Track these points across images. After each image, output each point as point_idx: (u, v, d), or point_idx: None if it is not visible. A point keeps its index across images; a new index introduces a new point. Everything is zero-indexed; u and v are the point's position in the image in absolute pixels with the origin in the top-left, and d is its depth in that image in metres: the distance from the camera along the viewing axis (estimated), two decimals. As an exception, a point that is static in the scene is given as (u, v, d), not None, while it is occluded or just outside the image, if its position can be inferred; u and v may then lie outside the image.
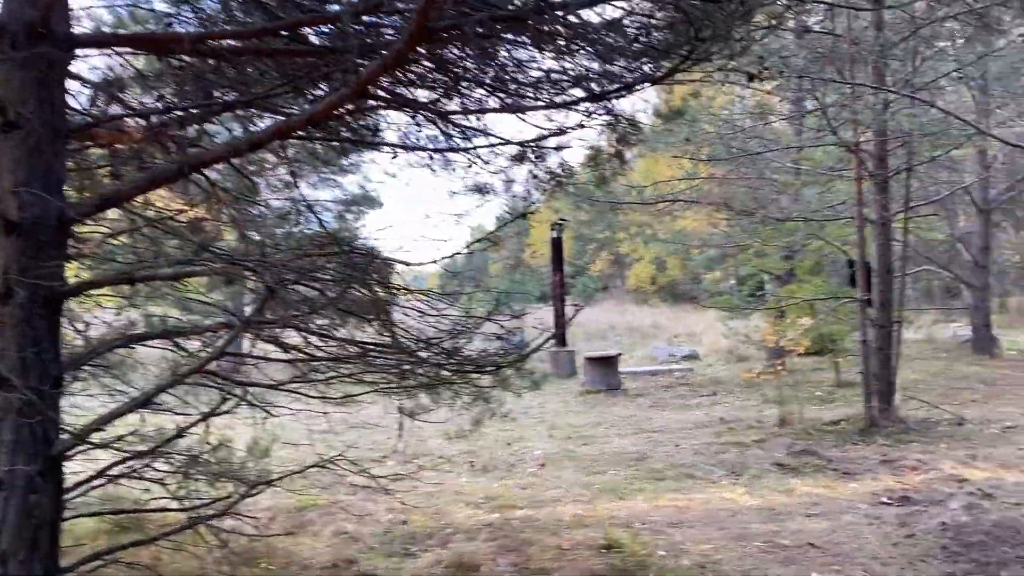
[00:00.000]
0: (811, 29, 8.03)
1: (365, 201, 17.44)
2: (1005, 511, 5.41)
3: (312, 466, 4.68)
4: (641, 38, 3.75)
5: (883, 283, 8.43)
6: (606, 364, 12.30)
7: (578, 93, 4.61)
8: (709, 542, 5.19)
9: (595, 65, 4.35)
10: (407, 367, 3.84)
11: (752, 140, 9.48)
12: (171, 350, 4.19)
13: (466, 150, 5.01)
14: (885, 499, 5.97)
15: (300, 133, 4.84)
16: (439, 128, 5.69)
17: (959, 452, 7.28)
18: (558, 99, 5.33)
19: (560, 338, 15.06)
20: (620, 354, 12.82)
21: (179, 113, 4.56)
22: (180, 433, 3.83)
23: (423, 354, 3.77)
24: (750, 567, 4.73)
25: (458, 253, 4.74)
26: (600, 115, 5.66)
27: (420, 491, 7.03)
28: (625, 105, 5.84)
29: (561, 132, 4.66)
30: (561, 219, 14.68)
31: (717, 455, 7.65)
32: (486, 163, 6.19)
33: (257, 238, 6.37)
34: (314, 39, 4.67)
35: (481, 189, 6.47)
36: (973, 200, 14.97)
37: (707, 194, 13.57)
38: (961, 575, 4.44)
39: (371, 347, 3.64)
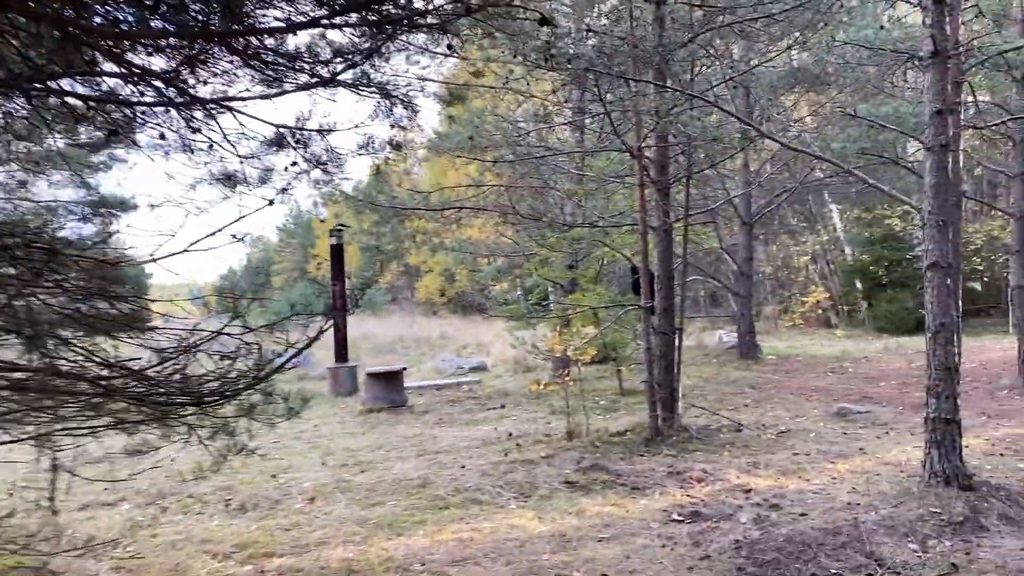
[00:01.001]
0: (594, 29, 7.77)
1: (115, 203, 15.43)
2: (793, 523, 5.27)
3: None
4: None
5: (665, 290, 8.37)
6: (389, 379, 11.50)
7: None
8: (496, 582, 4.58)
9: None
10: (95, 398, 2.86)
11: (537, 147, 9.16)
12: None
13: (191, 103, 4.04)
14: (676, 516, 5.68)
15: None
16: (169, 100, 4.71)
17: (742, 460, 7.27)
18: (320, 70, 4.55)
19: (341, 353, 14.06)
20: (404, 368, 12.07)
21: None
22: None
23: (118, 382, 2.80)
24: (541, 611, 4.16)
25: (185, 251, 3.78)
26: (368, 90, 4.93)
27: (160, 540, 5.88)
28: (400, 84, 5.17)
29: (312, 85, 3.85)
30: (341, 224, 13.71)
31: (505, 475, 7.11)
32: (233, 145, 5.26)
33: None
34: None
35: (230, 178, 5.50)
36: (738, 213, 15.85)
37: (494, 202, 13.23)
38: (759, 599, 4.14)
39: (31, 373, 2.63)
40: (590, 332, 10.85)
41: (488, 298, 42.83)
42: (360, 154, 5.30)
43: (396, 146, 4.99)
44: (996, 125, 9.80)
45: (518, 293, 38.26)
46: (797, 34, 8.81)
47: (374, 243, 53.08)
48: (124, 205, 15.99)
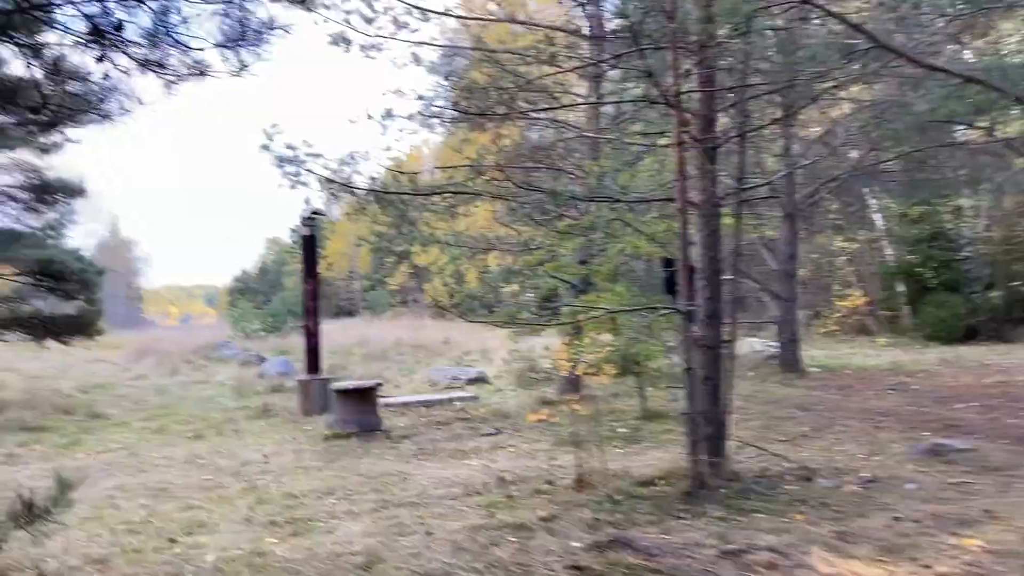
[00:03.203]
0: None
1: (62, 189, 13.38)
2: None
3: None
4: None
5: (711, 289, 6.22)
6: (361, 398, 9.38)
7: None
8: None
9: None
10: None
11: (540, 99, 7.03)
12: None
13: None
14: (747, 645, 3.53)
15: None
16: None
17: (823, 528, 5.09)
18: None
19: (313, 363, 11.97)
20: (379, 384, 9.91)
21: None
22: None
23: None
24: None
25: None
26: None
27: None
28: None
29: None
30: (314, 212, 11.63)
31: (486, 550, 4.97)
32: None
33: None
34: None
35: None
36: (779, 203, 13.65)
37: (493, 185, 11.14)
38: None
39: None
40: (605, 340, 8.74)
41: (498, 301, 40.66)
42: (228, 45, 3.18)
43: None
44: None
45: (530, 295, 36.06)
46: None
47: (380, 242, 51.14)
48: (70, 190, 14.00)
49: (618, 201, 6.45)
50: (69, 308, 15.11)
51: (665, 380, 9.23)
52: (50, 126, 14.55)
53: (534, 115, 6.84)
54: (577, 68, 8.10)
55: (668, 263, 6.54)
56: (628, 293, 8.52)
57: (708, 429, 6.06)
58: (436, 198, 11.63)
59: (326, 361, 19.17)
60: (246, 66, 3.11)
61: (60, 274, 13.02)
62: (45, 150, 14.49)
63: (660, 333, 6.96)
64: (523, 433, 9.26)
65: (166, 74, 3.09)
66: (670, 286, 6.55)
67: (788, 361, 13.72)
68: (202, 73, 3.11)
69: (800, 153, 13.31)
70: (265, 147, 10.45)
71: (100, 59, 2.95)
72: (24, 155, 14.13)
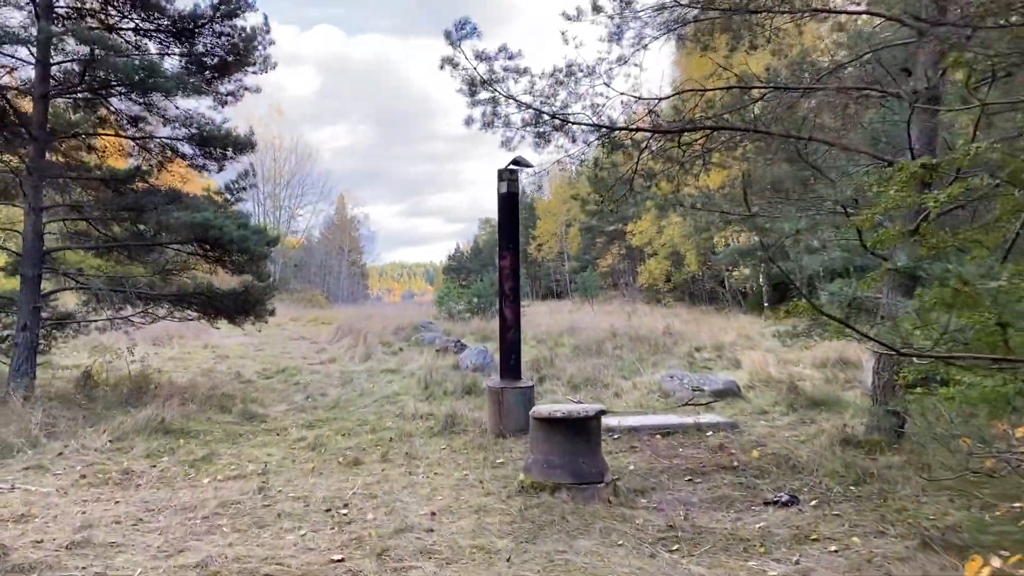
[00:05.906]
0: None
1: (228, 142, 11.38)
2: None
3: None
4: None
5: None
6: (574, 430, 6.17)
7: None
8: None
9: None
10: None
11: None
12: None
13: None
14: None
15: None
16: None
17: None
18: None
19: (509, 365, 8.93)
20: (603, 411, 6.61)
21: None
22: None
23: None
24: None
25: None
26: None
27: None
28: None
29: None
30: (516, 161, 8.59)
31: None
32: None
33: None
34: None
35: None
36: None
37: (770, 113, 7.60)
38: None
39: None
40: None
41: (725, 288, 36.43)
42: None
43: None
44: None
45: (761, 282, 31.44)
46: None
47: (597, 224, 48.11)
48: (238, 144, 11.97)
49: None
50: (235, 283, 12.98)
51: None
52: (222, 71, 11.97)
53: None
54: None
55: None
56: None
57: None
58: (683, 140, 8.22)
59: (529, 352, 16.24)
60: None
61: (217, 242, 10.89)
62: (221, 101, 12.32)
63: None
64: (836, 505, 5.63)
65: None
66: None
67: None
68: None
69: None
70: (449, 61, 7.48)
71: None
72: (200, 106, 12.14)
